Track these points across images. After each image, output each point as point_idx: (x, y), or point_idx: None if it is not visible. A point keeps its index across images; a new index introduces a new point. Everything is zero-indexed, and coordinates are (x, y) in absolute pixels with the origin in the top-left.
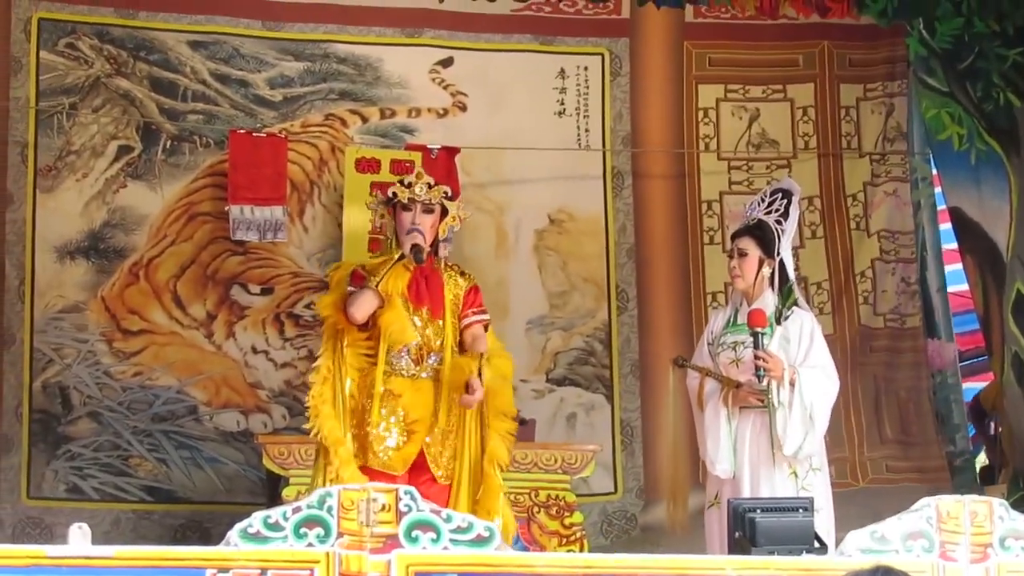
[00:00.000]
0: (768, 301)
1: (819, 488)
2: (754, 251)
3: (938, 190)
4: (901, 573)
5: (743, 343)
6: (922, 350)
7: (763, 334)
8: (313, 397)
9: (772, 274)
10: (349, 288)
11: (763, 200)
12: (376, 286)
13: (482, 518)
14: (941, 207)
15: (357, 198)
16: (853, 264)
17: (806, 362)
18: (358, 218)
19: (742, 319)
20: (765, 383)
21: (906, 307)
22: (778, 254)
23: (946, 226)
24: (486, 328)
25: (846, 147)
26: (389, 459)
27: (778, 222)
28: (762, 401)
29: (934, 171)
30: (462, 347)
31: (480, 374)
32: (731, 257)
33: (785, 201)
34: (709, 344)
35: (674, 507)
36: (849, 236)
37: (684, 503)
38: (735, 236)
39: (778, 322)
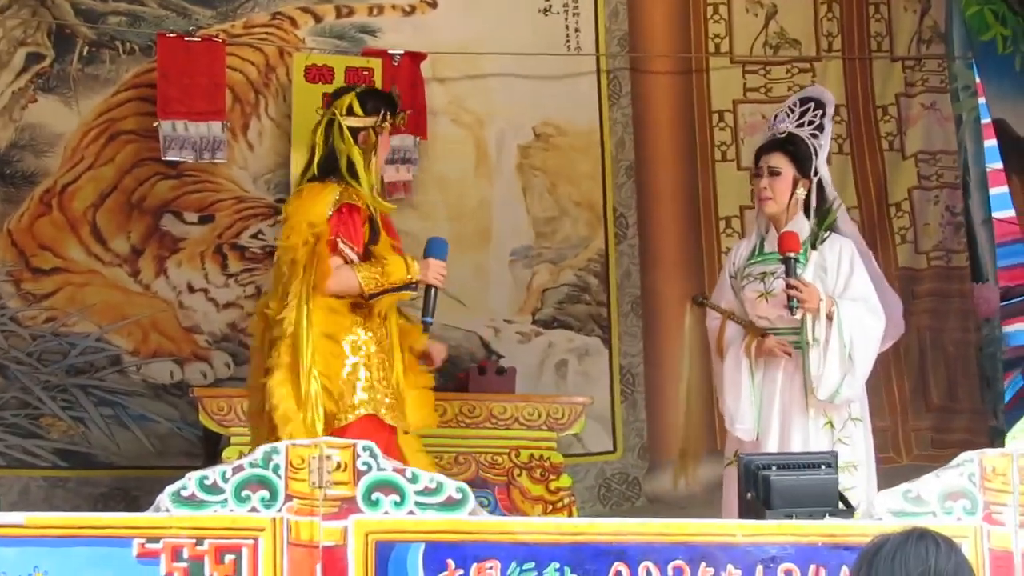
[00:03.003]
0: (802, 227)
1: (859, 441)
2: (788, 169)
3: (981, 101)
4: (939, 538)
5: (772, 273)
6: (969, 294)
7: (796, 260)
8: None
9: (807, 196)
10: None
11: (792, 110)
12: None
13: None
14: (985, 120)
15: (307, 112)
16: (886, 193)
17: (846, 293)
18: (308, 135)
19: (770, 247)
20: (798, 316)
21: (951, 242)
22: (815, 173)
23: (991, 143)
24: None
25: (875, 49)
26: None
27: (813, 135)
28: (789, 354)
29: (977, 78)
30: None
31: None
32: (759, 176)
33: (819, 112)
34: (732, 278)
35: (684, 472)
36: (881, 158)
37: (695, 468)
38: (762, 152)
39: (813, 247)
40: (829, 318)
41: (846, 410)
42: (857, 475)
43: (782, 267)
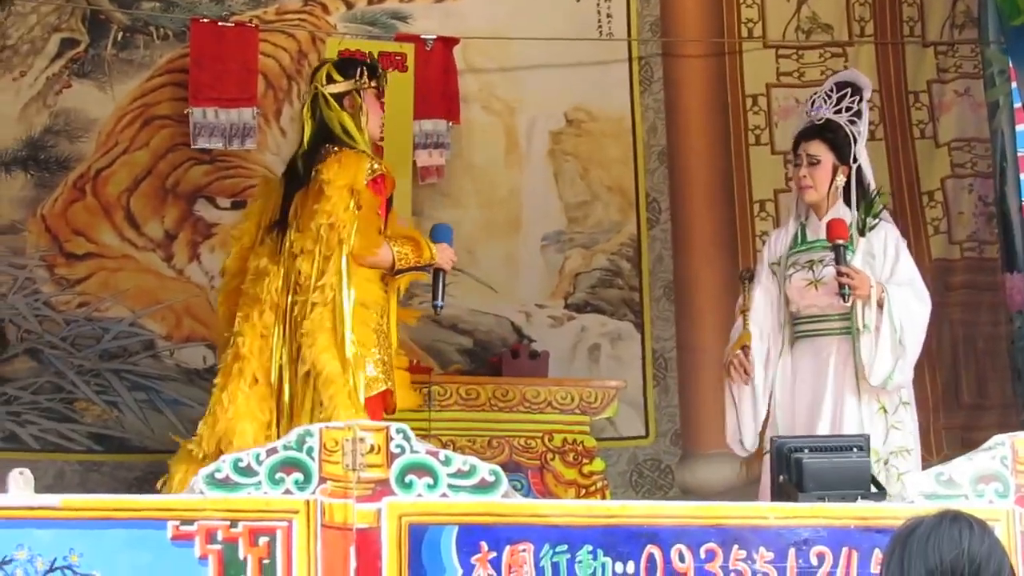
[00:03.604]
0: (843, 214)
1: (910, 425)
2: (827, 157)
3: (1014, 86)
4: (971, 519)
5: (820, 261)
6: (1000, 287)
7: (845, 247)
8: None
9: (848, 183)
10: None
11: (829, 96)
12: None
13: None
14: (1018, 105)
15: None
16: (918, 182)
17: (893, 279)
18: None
19: (812, 235)
20: (850, 303)
21: (984, 232)
22: (855, 160)
23: (1021, 128)
24: None
25: (908, 34)
26: None
27: (851, 121)
28: (745, 382)
29: (1010, 63)
30: None
31: None
32: (797, 165)
33: (856, 97)
34: (774, 264)
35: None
36: (913, 147)
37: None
38: (801, 139)
39: (861, 234)
40: (880, 305)
41: (897, 395)
42: (910, 459)
43: (830, 254)
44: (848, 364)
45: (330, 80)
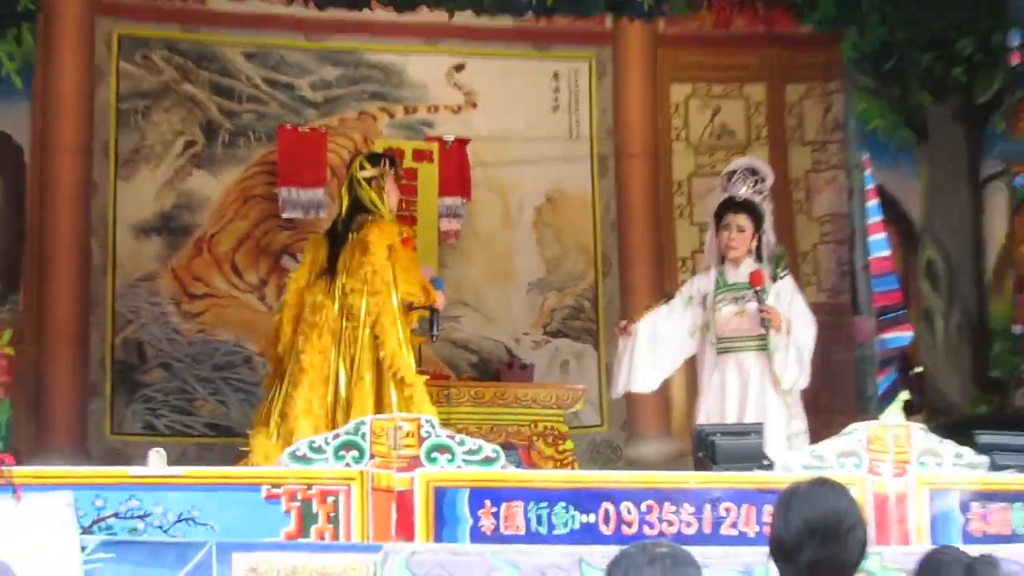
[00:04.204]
0: (752, 266)
1: (801, 416)
2: (748, 226)
3: (867, 172)
4: (836, 483)
5: (743, 298)
6: (851, 325)
7: (764, 291)
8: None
9: (758, 244)
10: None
11: (745, 178)
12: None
13: None
14: (869, 186)
15: None
16: (796, 246)
17: (791, 310)
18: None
19: (732, 279)
20: (771, 331)
21: (840, 285)
22: (763, 231)
23: (875, 202)
24: None
25: (791, 137)
26: None
27: (762, 201)
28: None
29: (865, 156)
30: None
31: None
32: (726, 230)
33: (764, 183)
34: (691, 297)
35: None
36: (793, 220)
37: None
38: (727, 212)
39: (773, 280)
40: (787, 331)
41: (794, 395)
42: (803, 438)
43: (750, 293)
44: (765, 373)
45: (362, 168)
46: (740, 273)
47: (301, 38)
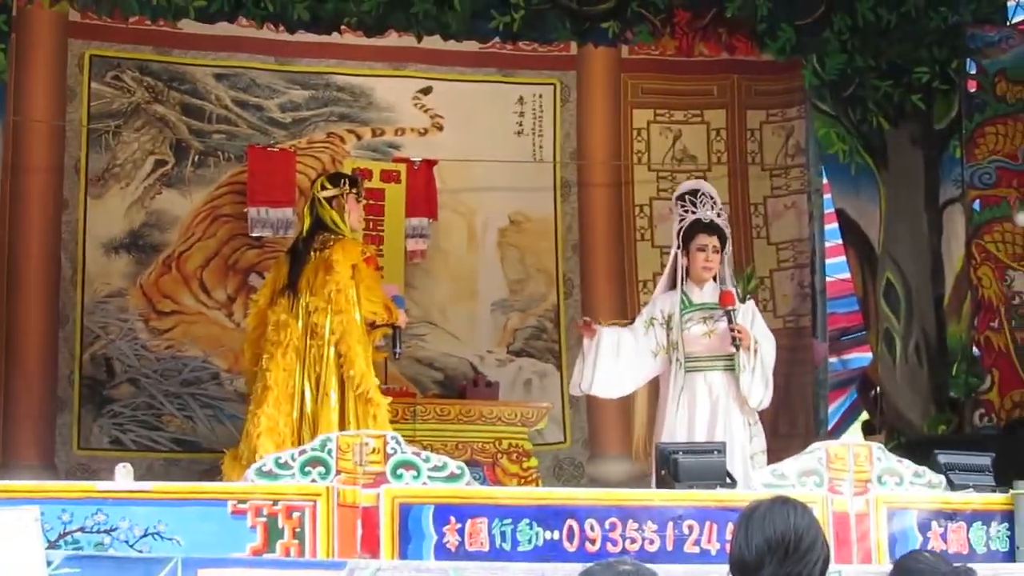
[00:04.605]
0: (713, 286)
1: (762, 435)
2: (719, 248)
3: (827, 196)
4: (797, 502)
5: (712, 317)
6: (810, 348)
7: (734, 311)
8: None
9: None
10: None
11: (705, 202)
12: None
13: None
14: (829, 210)
15: None
16: (754, 271)
17: (754, 331)
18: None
19: (698, 299)
20: (741, 350)
21: (801, 308)
22: (727, 252)
23: (833, 226)
24: None
25: (751, 163)
26: None
27: (726, 224)
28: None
29: (824, 181)
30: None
31: None
32: (702, 251)
33: (720, 206)
34: (654, 318)
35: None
36: (751, 244)
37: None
38: (700, 233)
39: (743, 301)
40: (754, 352)
41: (755, 415)
42: (763, 457)
43: (720, 313)
44: (731, 392)
45: (323, 188)
46: (705, 294)
47: (271, 61)
